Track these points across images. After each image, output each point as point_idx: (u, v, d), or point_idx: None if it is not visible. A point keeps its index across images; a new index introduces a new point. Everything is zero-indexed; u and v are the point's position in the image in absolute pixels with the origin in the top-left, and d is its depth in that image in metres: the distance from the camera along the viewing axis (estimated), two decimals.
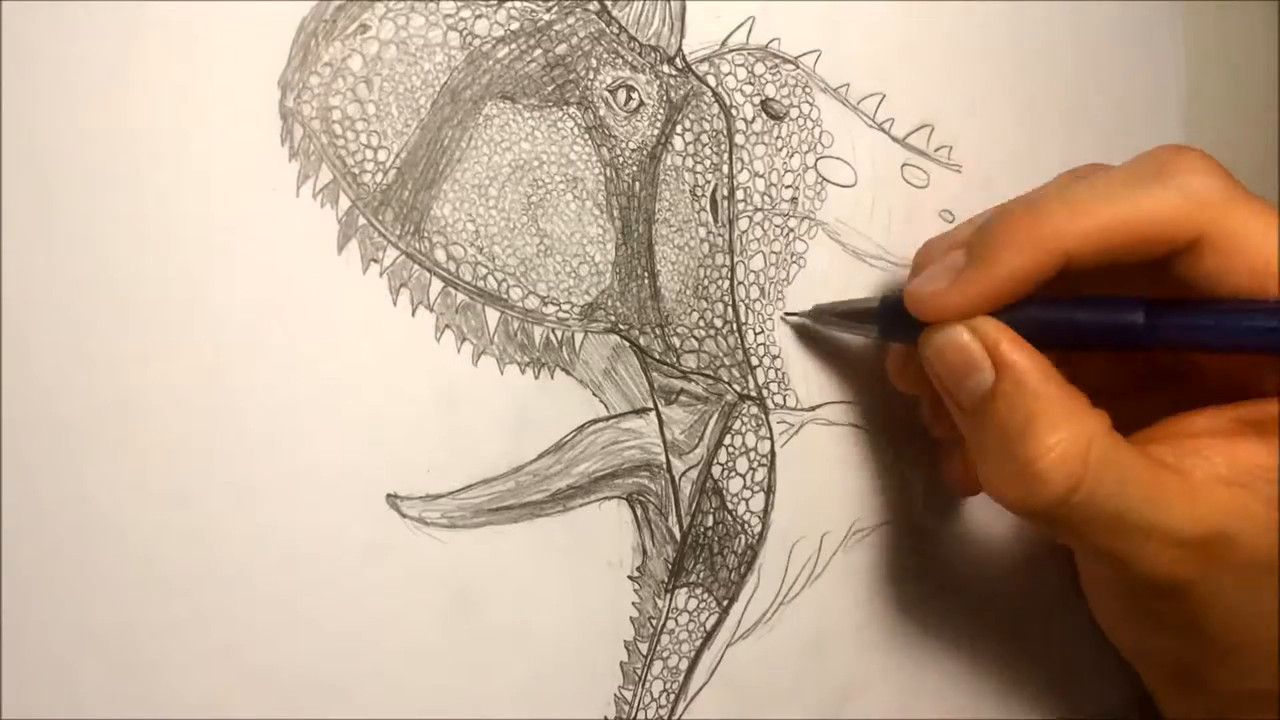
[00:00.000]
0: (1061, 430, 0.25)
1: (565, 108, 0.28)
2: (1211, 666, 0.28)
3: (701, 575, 0.30)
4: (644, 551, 0.29)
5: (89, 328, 0.23)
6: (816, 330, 0.32)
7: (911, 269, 0.31)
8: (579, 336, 0.29)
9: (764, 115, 0.31)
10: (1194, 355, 0.29)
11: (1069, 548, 0.29)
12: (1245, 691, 0.28)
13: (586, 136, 0.28)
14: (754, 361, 0.31)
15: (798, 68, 0.32)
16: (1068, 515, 0.25)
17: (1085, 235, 0.26)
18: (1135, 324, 0.26)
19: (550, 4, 0.28)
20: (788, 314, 0.32)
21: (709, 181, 0.30)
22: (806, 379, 0.32)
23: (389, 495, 0.26)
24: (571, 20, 0.28)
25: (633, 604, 0.29)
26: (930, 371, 0.28)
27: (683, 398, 0.30)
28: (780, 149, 0.32)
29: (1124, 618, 0.30)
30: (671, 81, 0.30)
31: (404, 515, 0.26)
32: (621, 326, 0.29)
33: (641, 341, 0.29)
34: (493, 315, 0.27)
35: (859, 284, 0.33)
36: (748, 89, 0.31)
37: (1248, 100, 0.45)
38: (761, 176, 0.31)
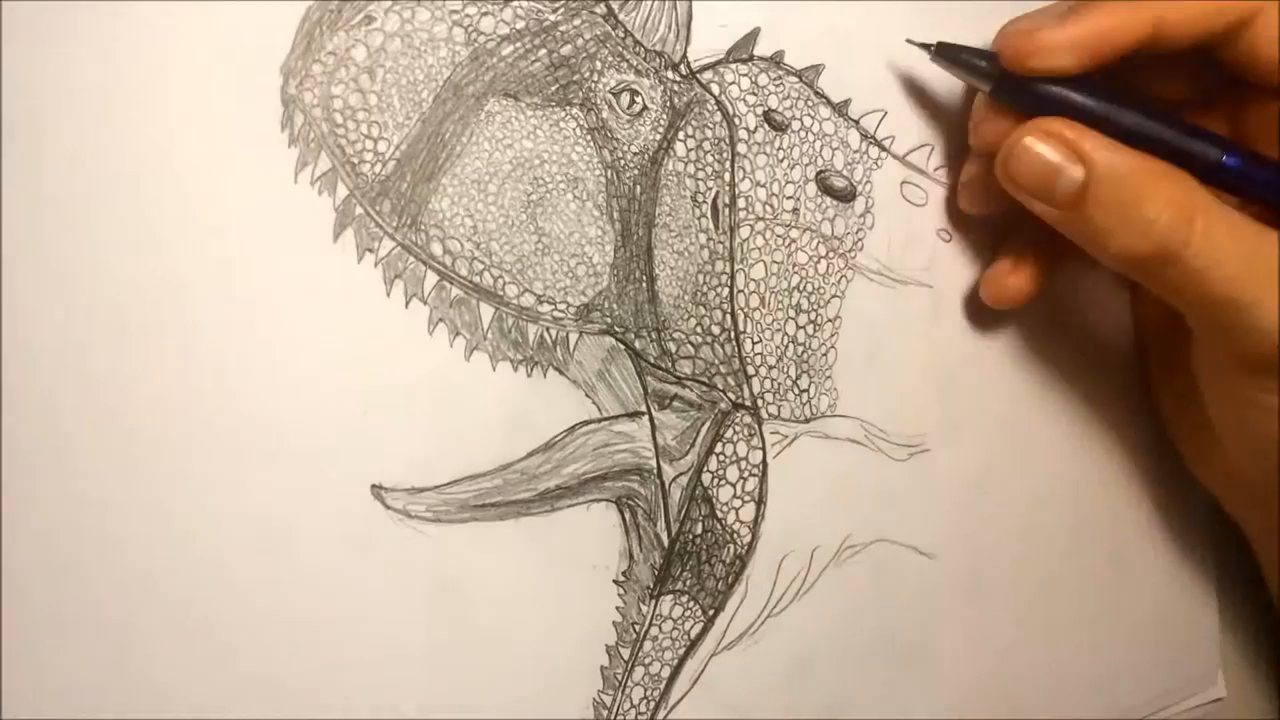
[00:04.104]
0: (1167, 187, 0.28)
1: (568, 108, 0.28)
2: None
3: (688, 583, 0.30)
4: (630, 556, 0.29)
5: (78, 317, 0.23)
6: (935, 69, 0.32)
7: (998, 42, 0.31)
8: (574, 337, 0.28)
9: (766, 126, 0.31)
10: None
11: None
12: None
13: (589, 138, 0.28)
14: (750, 371, 0.31)
15: (801, 81, 0.32)
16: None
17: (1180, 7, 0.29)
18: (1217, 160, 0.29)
19: (556, 5, 0.28)
20: (910, 39, 0.32)
21: (710, 188, 0.30)
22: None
23: (374, 486, 0.26)
24: (577, 22, 0.28)
25: (616, 609, 0.29)
26: (1015, 187, 0.30)
27: (676, 403, 0.30)
28: (781, 160, 0.32)
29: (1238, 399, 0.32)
30: (675, 88, 0.30)
31: (388, 507, 0.26)
32: (617, 329, 0.29)
33: (637, 345, 0.29)
34: (487, 311, 0.27)
35: (856, 290, 0.33)
36: (751, 99, 0.31)
37: None
38: (763, 186, 0.31)
